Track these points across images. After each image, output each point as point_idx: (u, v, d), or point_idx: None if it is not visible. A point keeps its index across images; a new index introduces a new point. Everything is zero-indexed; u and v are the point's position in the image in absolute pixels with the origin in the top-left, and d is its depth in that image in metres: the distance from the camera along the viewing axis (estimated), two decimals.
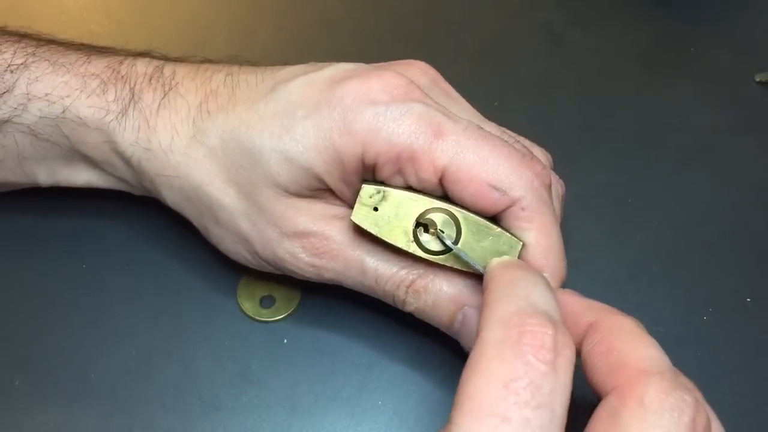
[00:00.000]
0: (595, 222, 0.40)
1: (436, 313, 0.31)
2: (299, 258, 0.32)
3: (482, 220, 0.30)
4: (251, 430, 0.32)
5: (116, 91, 0.33)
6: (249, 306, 0.36)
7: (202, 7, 0.51)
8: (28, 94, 0.33)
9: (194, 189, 0.32)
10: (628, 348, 0.24)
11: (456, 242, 0.29)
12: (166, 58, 0.35)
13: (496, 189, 0.29)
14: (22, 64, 0.33)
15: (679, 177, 0.42)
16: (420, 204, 0.30)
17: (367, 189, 0.30)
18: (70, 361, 0.34)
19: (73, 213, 0.38)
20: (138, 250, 0.38)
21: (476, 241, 0.29)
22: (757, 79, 0.47)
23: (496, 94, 0.44)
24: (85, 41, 0.36)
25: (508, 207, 0.30)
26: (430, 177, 0.30)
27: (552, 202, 0.31)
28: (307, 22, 0.50)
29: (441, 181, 0.30)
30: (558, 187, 0.33)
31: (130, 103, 0.33)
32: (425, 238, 0.30)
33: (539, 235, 0.29)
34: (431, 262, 0.30)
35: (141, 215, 0.38)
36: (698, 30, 0.50)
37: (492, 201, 0.29)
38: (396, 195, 0.30)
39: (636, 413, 0.22)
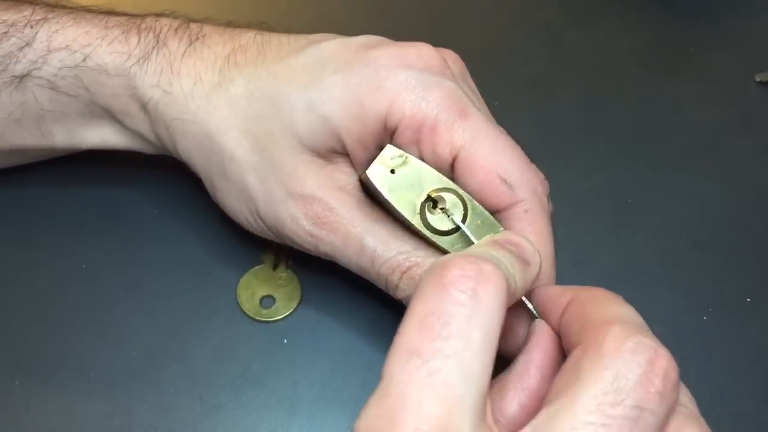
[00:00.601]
0: (595, 222, 0.40)
1: None
2: (300, 224, 0.31)
3: (490, 215, 0.30)
4: (251, 430, 0.32)
5: (140, 38, 0.33)
6: (249, 306, 0.36)
7: (202, 8, 0.51)
8: (48, 45, 0.33)
9: (208, 136, 0.32)
10: (598, 309, 0.25)
11: (458, 228, 0.29)
12: (190, 19, 0.35)
13: (505, 183, 0.29)
14: (42, 18, 0.33)
15: (679, 177, 0.42)
16: (436, 180, 0.30)
17: (390, 149, 0.30)
18: (70, 361, 0.34)
19: (73, 213, 0.38)
20: (138, 249, 0.38)
21: (478, 233, 0.29)
22: (757, 79, 0.47)
23: (496, 94, 0.44)
24: None
25: (512, 206, 0.30)
26: (445, 154, 0.30)
27: (549, 213, 0.31)
28: (308, 22, 0.50)
29: (453, 163, 0.30)
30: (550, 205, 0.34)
31: (154, 48, 0.33)
32: (431, 216, 0.30)
33: (537, 240, 0.29)
34: (430, 247, 0.30)
35: (141, 215, 0.38)
36: (698, 30, 0.50)
37: (498, 194, 0.29)
38: (416, 164, 0.30)
39: (593, 358, 0.22)
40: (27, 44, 0.33)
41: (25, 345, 0.34)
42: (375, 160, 0.29)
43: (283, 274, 0.36)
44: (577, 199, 0.40)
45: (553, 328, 0.27)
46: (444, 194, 0.29)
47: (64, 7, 0.35)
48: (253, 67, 0.32)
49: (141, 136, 0.35)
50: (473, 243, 0.29)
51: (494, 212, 0.30)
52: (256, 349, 0.35)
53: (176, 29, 0.34)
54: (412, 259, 0.31)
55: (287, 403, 0.33)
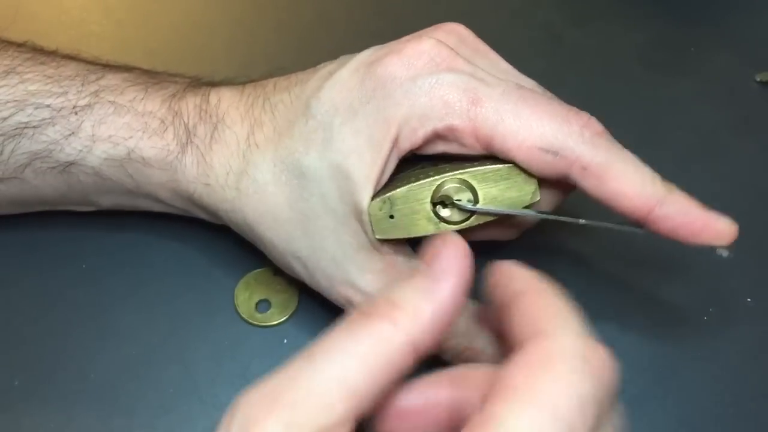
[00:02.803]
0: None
1: None
2: (351, 305, 0.31)
3: (488, 167, 0.29)
4: None
5: (174, 129, 0.33)
6: (244, 309, 0.36)
7: (202, 7, 0.51)
8: (93, 136, 0.33)
9: (247, 225, 0.32)
10: (545, 311, 0.23)
11: (476, 202, 0.29)
12: (211, 83, 0.35)
13: (547, 151, 0.28)
14: (86, 105, 0.33)
15: (679, 177, 0.42)
16: (426, 187, 0.29)
17: (373, 205, 0.29)
18: (70, 361, 0.34)
19: (73, 213, 0.38)
20: (138, 250, 0.38)
21: (495, 188, 0.29)
22: (757, 79, 0.47)
23: None
24: (84, 42, 0.36)
25: (568, 170, 0.28)
26: (473, 144, 0.29)
27: (613, 144, 0.29)
28: (307, 22, 0.50)
29: (490, 149, 0.29)
30: None
31: (187, 140, 0.33)
32: (447, 213, 0.29)
33: (618, 184, 0.28)
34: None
35: (141, 215, 0.38)
36: (698, 30, 0.50)
37: (546, 164, 0.28)
38: (399, 193, 0.29)
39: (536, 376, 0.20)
40: (72, 133, 0.33)
41: (25, 345, 0.34)
42: (372, 225, 0.30)
43: (283, 279, 0.36)
44: (576, 198, 0.40)
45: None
46: (443, 190, 0.29)
47: (104, 73, 0.34)
48: (274, 147, 0.31)
49: (191, 213, 0.36)
50: (502, 210, 0.29)
51: (561, 182, 0.29)
52: (256, 349, 0.35)
53: (200, 110, 0.33)
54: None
55: None
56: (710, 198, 0.41)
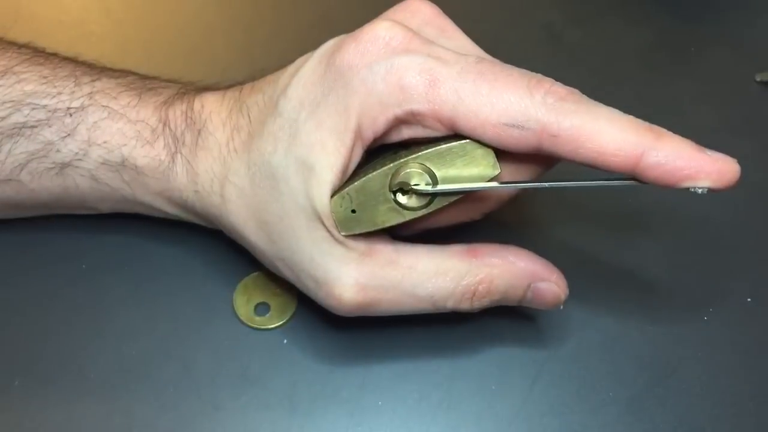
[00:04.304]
0: (596, 222, 0.40)
1: (503, 303, 0.32)
2: (342, 306, 0.31)
3: (442, 146, 0.28)
4: (251, 430, 0.32)
5: (164, 139, 0.33)
6: (243, 311, 0.35)
7: (202, 7, 0.51)
8: (88, 140, 0.33)
9: (234, 230, 0.33)
10: None
11: (435, 183, 0.28)
12: (198, 89, 0.35)
13: (513, 126, 0.27)
14: (79, 107, 0.33)
15: None
16: (382, 176, 0.29)
17: (333, 202, 0.29)
18: (70, 362, 0.34)
19: (73, 214, 0.38)
20: (137, 250, 0.38)
21: (452, 168, 0.28)
22: (758, 79, 0.47)
23: None
24: (84, 42, 0.36)
25: (540, 142, 0.27)
26: (436, 126, 0.28)
27: (582, 104, 0.27)
28: (307, 22, 0.50)
29: (455, 130, 0.28)
30: None
31: (176, 149, 0.33)
32: (406, 199, 0.29)
33: (594, 144, 0.26)
34: (474, 258, 0.30)
35: (141, 216, 0.38)
36: (698, 30, 0.50)
37: (515, 139, 0.27)
38: (356, 187, 0.29)
39: None
40: (68, 135, 0.33)
41: (25, 345, 0.34)
42: (336, 223, 0.29)
43: (280, 282, 0.36)
44: (577, 198, 0.40)
45: None
46: (400, 176, 0.28)
47: (99, 76, 0.34)
48: (248, 151, 0.31)
49: (187, 219, 0.36)
50: (462, 188, 0.28)
51: (538, 156, 0.28)
52: (256, 349, 0.35)
53: (185, 118, 0.33)
54: (471, 279, 0.30)
55: (287, 403, 0.33)
56: (710, 198, 0.41)
